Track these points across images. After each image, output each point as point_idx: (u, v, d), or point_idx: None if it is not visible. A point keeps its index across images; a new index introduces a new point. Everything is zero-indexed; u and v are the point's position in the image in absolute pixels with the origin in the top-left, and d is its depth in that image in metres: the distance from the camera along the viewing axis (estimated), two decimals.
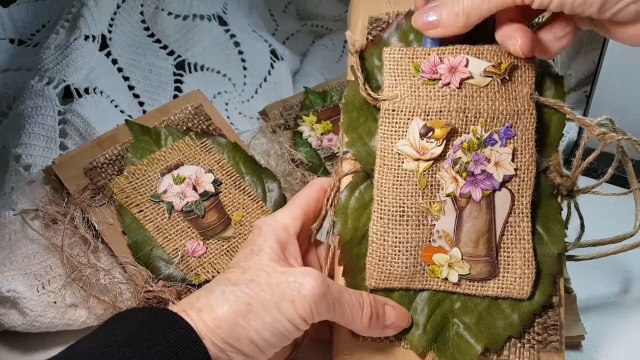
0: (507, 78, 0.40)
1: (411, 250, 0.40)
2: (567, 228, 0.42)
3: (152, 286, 0.46)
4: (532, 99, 0.40)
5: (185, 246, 0.49)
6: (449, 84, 0.40)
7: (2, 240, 0.49)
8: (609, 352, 0.47)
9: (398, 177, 0.40)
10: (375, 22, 0.43)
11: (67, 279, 0.46)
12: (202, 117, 0.57)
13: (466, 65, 0.40)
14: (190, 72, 0.80)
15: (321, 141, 0.68)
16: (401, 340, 0.40)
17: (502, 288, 0.39)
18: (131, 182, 0.51)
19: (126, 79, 0.74)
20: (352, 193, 0.42)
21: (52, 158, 0.53)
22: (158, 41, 0.78)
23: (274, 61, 0.89)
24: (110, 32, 0.72)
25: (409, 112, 0.40)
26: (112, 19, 0.72)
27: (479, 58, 0.40)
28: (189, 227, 0.51)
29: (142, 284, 0.46)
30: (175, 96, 0.77)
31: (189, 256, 0.49)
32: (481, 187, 0.39)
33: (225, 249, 0.51)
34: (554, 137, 0.40)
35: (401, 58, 0.41)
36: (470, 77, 0.40)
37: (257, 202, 0.54)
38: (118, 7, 0.73)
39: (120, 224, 0.49)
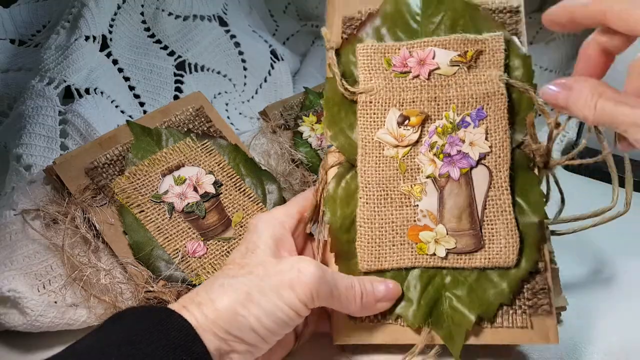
0: (474, 64, 0.43)
1: (397, 230, 0.42)
2: (547, 201, 0.43)
3: (153, 286, 0.46)
4: (502, 80, 0.42)
5: (185, 247, 0.50)
6: (418, 75, 0.43)
7: (3, 240, 0.49)
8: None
9: (379, 163, 0.43)
10: (349, 22, 0.46)
11: (67, 278, 0.47)
12: (202, 119, 0.57)
13: (434, 57, 0.43)
14: (190, 72, 0.80)
15: (321, 141, 0.68)
16: (397, 319, 0.41)
17: (489, 259, 0.40)
18: (132, 182, 0.51)
19: (127, 79, 0.74)
20: (339, 183, 0.44)
21: (53, 158, 0.53)
22: (158, 42, 0.78)
23: (274, 61, 0.89)
24: (110, 32, 0.72)
25: (385, 103, 0.43)
26: (113, 20, 0.72)
27: (446, 49, 0.43)
28: (189, 228, 0.51)
29: (143, 284, 0.46)
30: (175, 97, 0.77)
31: (189, 257, 0.49)
32: (458, 166, 0.42)
33: (226, 250, 0.51)
34: (525, 114, 0.42)
35: (374, 53, 0.44)
36: (438, 68, 0.43)
37: (257, 204, 0.54)
38: (118, 7, 0.73)
39: (121, 224, 0.49)
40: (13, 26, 0.74)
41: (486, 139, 0.41)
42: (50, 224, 0.49)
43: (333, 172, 0.44)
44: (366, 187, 0.43)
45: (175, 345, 0.32)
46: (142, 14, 0.76)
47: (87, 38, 0.67)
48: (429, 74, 0.43)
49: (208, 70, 0.82)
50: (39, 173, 0.54)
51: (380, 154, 0.43)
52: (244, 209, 0.53)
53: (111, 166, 0.51)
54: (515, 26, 0.44)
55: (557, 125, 0.40)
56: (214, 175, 0.54)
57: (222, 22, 0.84)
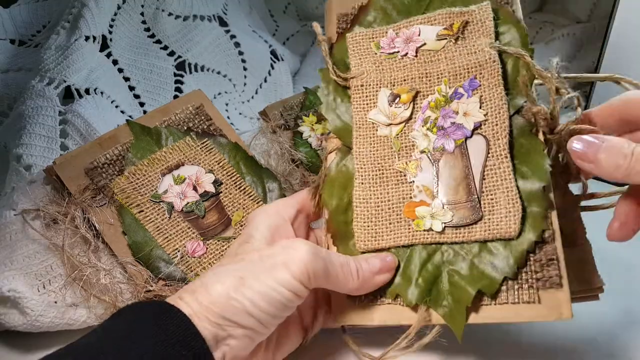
0: (462, 35, 0.42)
1: (394, 208, 0.41)
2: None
3: (152, 286, 0.46)
4: (493, 48, 0.41)
5: (185, 246, 0.50)
6: (407, 54, 0.43)
7: (3, 240, 0.49)
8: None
9: (374, 143, 0.43)
10: (343, 18, 0.47)
11: (67, 278, 0.47)
12: (202, 117, 0.57)
13: (419, 34, 0.43)
14: (190, 72, 0.80)
15: (321, 141, 0.68)
16: (397, 298, 0.40)
17: (489, 230, 0.38)
18: (132, 182, 0.51)
19: (127, 79, 0.74)
20: (338, 168, 0.44)
21: (53, 158, 0.53)
22: (158, 42, 0.78)
23: (274, 62, 0.89)
24: (110, 32, 0.72)
25: (376, 84, 0.44)
26: (113, 20, 0.72)
27: (431, 25, 0.43)
28: (189, 228, 0.51)
29: (143, 284, 0.46)
30: (175, 97, 0.77)
31: (189, 256, 0.49)
32: (453, 137, 0.40)
33: (226, 249, 0.51)
34: (525, 78, 0.40)
35: (362, 40, 0.45)
36: (425, 44, 0.43)
37: (257, 203, 0.54)
38: (119, 7, 0.73)
39: (120, 224, 0.49)
40: (13, 26, 0.74)
41: (480, 107, 0.40)
42: (50, 224, 0.49)
43: (332, 157, 0.45)
44: (362, 168, 0.42)
45: (174, 341, 0.32)
46: (142, 14, 0.76)
47: (87, 38, 0.67)
48: (417, 51, 0.43)
49: (208, 70, 0.82)
50: (39, 173, 0.54)
51: (374, 134, 0.43)
52: (244, 208, 0.53)
53: (111, 166, 0.51)
54: None
55: (557, 90, 0.38)
56: (213, 174, 0.54)
57: (222, 22, 0.84)
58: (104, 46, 0.71)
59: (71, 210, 0.48)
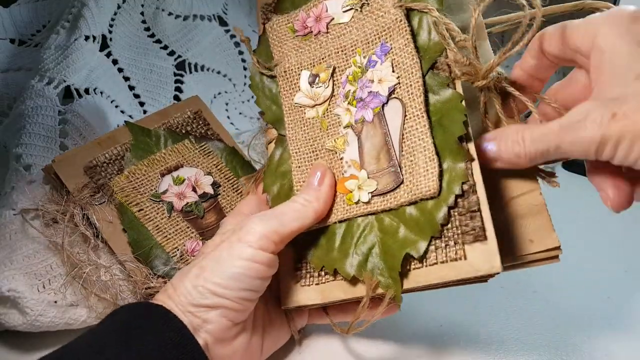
0: (367, 1, 0.41)
1: None
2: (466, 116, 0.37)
3: (152, 282, 0.46)
4: (396, 7, 0.40)
5: (184, 245, 0.50)
6: (319, 32, 0.43)
7: (3, 239, 0.49)
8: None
9: (304, 127, 0.43)
10: (265, 7, 0.47)
11: (67, 277, 0.47)
12: (200, 122, 0.57)
13: (327, 10, 0.43)
14: (190, 72, 0.80)
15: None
16: (336, 275, 0.40)
17: (412, 191, 0.37)
18: (131, 181, 0.51)
19: (127, 79, 0.74)
20: (278, 156, 0.44)
21: (52, 158, 0.53)
22: (158, 41, 0.78)
23: None
24: (110, 32, 0.72)
25: (298, 68, 0.44)
26: (113, 19, 0.72)
27: None
28: (188, 227, 0.51)
29: (143, 280, 0.46)
30: (175, 96, 0.77)
31: (188, 255, 0.49)
32: (370, 107, 0.40)
33: None
34: (436, 34, 0.39)
35: (279, 27, 0.45)
36: (333, 19, 0.43)
37: None
38: (118, 7, 0.73)
39: (120, 222, 0.49)
40: (13, 26, 0.74)
41: (393, 71, 0.39)
42: (50, 223, 0.49)
43: (272, 147, 0.45)
44: (297, 153, 0.43)
45: (169, 343, 0.33)
46: (142, 13, 0.76)
47: (87, 38, 0.67)
48: (327, 27, 0.43)
49: (208, 70, 0.82)
50: (39, 173, 0.54)
51: (303, 117, 0.43)
52: None
53: (110, 165, 0.52)
54: None
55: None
56: (212, 176, 0.54)
57: (222, 22, 0.84)
58: (104, 46, 0.71)
59: (70, 208, 0.48)
